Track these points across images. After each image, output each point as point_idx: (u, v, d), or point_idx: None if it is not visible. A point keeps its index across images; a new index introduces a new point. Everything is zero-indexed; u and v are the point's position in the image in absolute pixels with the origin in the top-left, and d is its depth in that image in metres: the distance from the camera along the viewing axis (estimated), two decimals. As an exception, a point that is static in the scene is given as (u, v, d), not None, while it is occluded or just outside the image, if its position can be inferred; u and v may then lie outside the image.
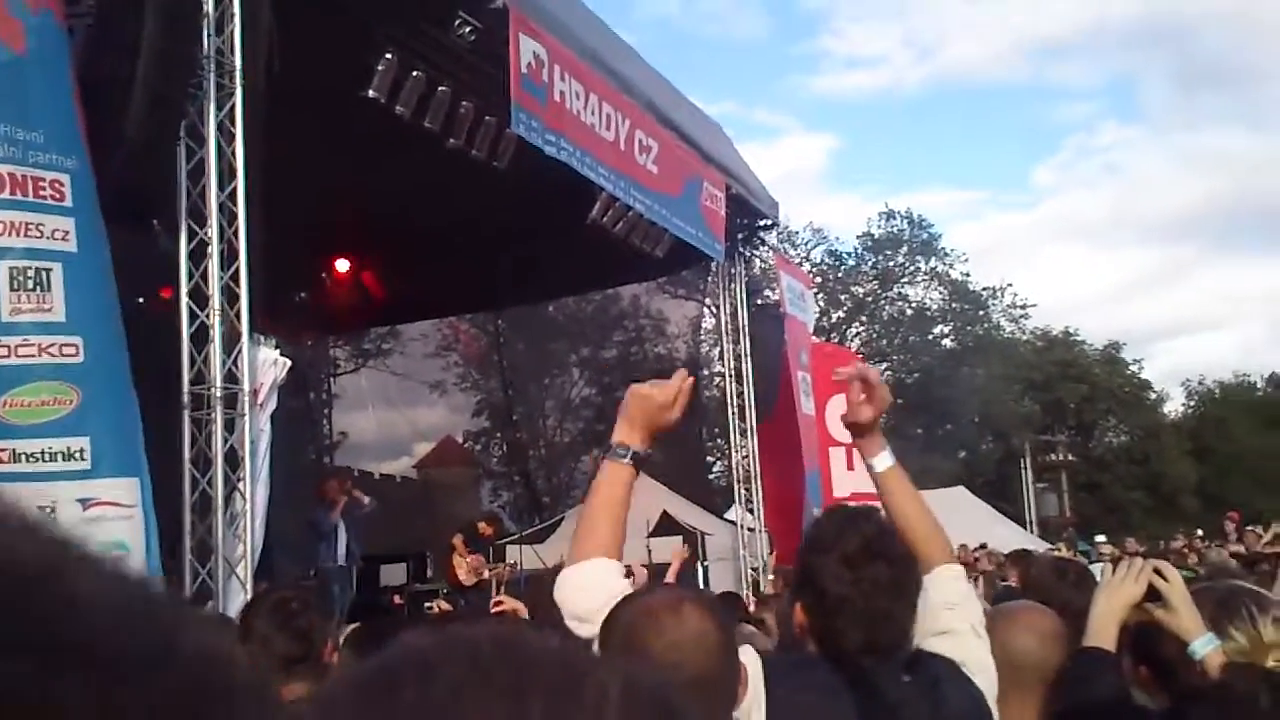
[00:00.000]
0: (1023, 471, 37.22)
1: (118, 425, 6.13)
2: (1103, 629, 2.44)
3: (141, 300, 10.50)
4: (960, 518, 22.87)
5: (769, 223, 16.00)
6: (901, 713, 2.05)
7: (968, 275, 41.08)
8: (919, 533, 2.40)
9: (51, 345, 5.95)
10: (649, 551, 14.21)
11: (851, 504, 2.52)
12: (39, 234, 5.95)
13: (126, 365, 6.23)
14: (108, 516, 6.01)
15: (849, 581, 2.07)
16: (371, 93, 9.14)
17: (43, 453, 5.89)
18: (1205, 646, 2.37)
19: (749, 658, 2.04)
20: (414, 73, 9.39)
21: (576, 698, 0.52)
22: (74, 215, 6.08)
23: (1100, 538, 22.78)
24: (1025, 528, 30.02)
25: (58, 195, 6.05)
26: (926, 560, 2.34)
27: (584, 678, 0.53)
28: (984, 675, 2.24)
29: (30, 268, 5.90)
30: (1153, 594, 2.47)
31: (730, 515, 16.77)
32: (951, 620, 2.29)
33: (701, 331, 26.03)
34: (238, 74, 7.42)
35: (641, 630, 1.79)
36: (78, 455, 5.97)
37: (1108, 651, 2.40)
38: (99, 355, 6.08)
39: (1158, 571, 2.49)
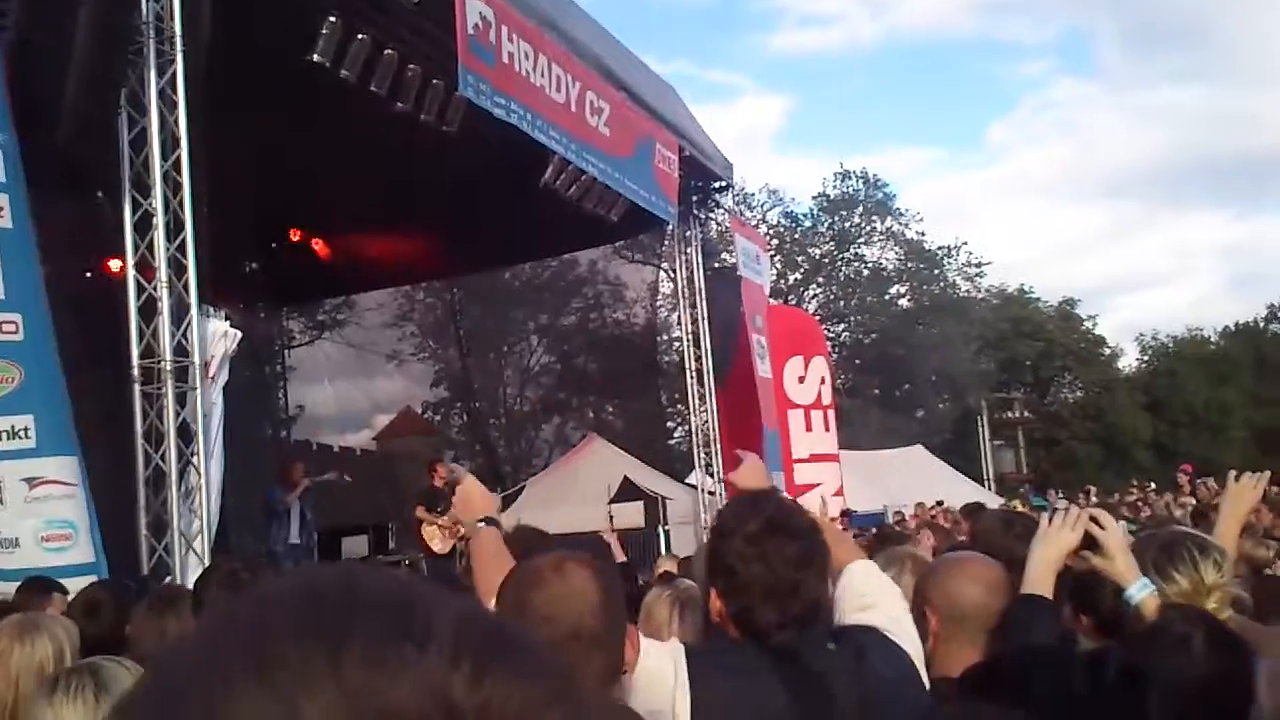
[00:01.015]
0: (980, 429, 37.65)
1: (55, 403, 6.05)
2: (1040, 577, 2.47)
3: (89, 274, 10.37)
4: (918, 476, 23.17)
5: (724, 184, 15.97)
6: (828, 680, 2.09)
7: (923, 234, 41.27)
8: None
9: (-7, 323, 5.84)
10: (610, 517, 14.28)
11: (754, 491, 2.61)
12: None
13: (54, 342, 6.12)
14: (53, 495, 5.95)
15: (754, 558, 2.12)
16: (316, 57, 8.99)
17: None
18: (1140, 591, 2.41)
19: (673, 650, 2.11)
20: (359, 35, 9.24)
21: (402, 626, 0.52)
22: (6, 191, 5.96)
23: (1059, 498, 23.10)
24: (983, 485, 30.39)
25: None
26: (838, 561, 2.42)
27: (412, 611, 0.53)
28: (909, 640, 2.30)
29: (-33, 244, 5.78)
30: (1090, 543, 2.50)
31: (691, 480, 16.85)
32: (873, 599, 2.37)
33: (660, 296, 26.01)
34: (178, 40, 7.27)
35: (525, 585, 1.87)
36: (22, 434, 5.89)
37: (1045, 598, 2.44)
38: (35, 332, 5.99)
39: (1094, 520, 2.52)
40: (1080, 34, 76.34)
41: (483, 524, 2.74)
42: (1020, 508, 14.81)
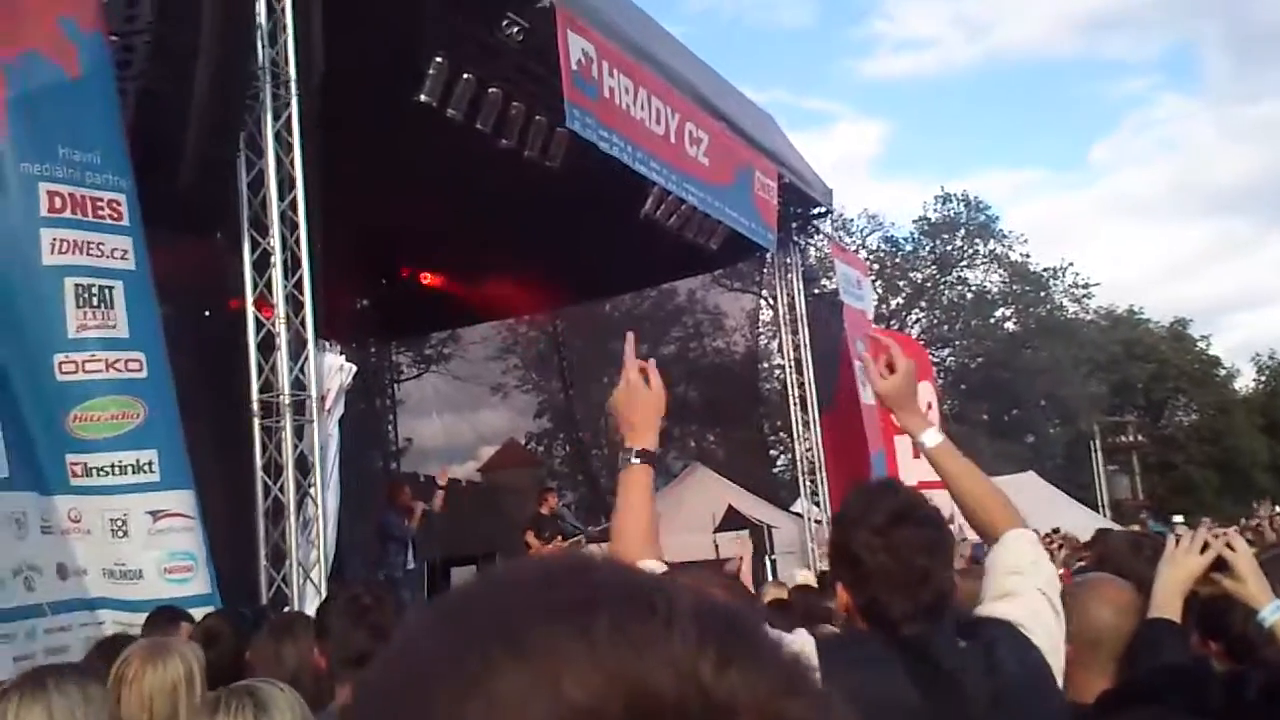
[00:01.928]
0: (1093, 454, 36.62)
1: (174, 438, 6.24)
2: (1167, 600, 2.40)
3: (208, 313, 10.73)
4: (1031, 503, 22.55)
5: (823, 210, 15.92)
6: (959, 678, 2.01)
7: (1027, 256, 40.47)
8: (980, 502, 2.37)
9: (118, 361, 6.06)
10: (716, 547, 14.20)
11: (878, 479, 2.48)
12: (99, 253, 6.06)
13: (172, 380, 6.33)
14: (175, 528, 6.12)
15: (880, 548, 2.05)
16: (424, 97, 9.22)
17: (113, 466, 6.00)
18: (1275, 613, 2.33)
19: (801, 641, 2.01)
20: (464, 75, 9.46)
21: (646, 608, 0.53)
22: (130, 234, 6.19)
23: (1177, 518, 22.35)
24: (1098, 511, 29.53)
25: (115, 215, 6.17)
26: (991, 527, 2.32)
27: (653, 593, 0.54)
28: (1046, 635, 2.17)
29: (94, 285, 6.02)
30: (1220, 565, 2.43)
31: (796, 508, 16.69)
32: (1016, 584, 2.24)
33: (760, 324, 25.89)
34: (293, 84, 7.53)
35: None
36: (146, 468, 6.07)
37: (1173, 622, 2.37)
38: (157, 370, 6.20)
39: (1226, 543, 2.45)
40: (1183, 50, 74.60)
41: (631, 458, 2.38)
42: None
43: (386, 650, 0.58)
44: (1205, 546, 2.48)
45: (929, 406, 16.60)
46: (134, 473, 6.05)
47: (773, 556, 15.75)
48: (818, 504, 14.99)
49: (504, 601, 0.55)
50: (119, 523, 5.95)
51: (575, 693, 0.49)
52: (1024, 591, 2.22)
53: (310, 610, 7.05)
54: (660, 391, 2.45)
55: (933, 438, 2.48)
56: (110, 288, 6.07)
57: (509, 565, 0.59)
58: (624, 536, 2.33)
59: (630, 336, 2.55)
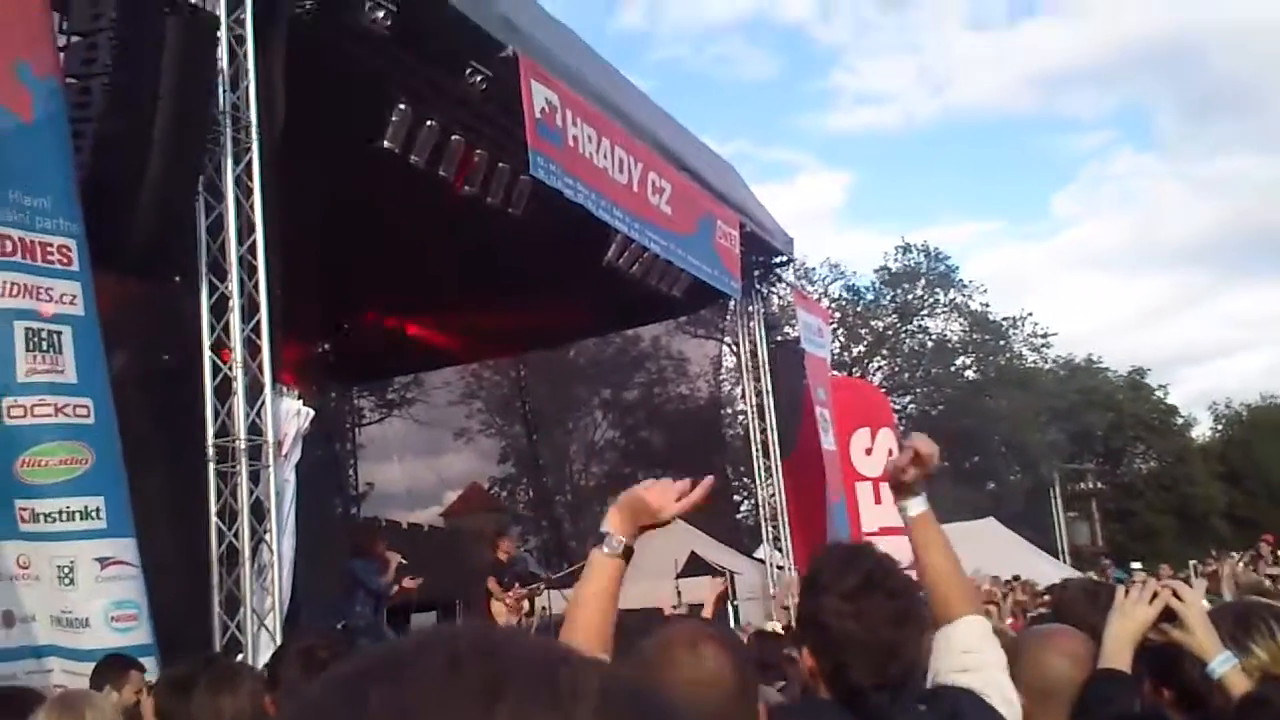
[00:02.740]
0: (1053, 501, 36.86)
1: (120, 485, 6.18)
2: (1117, 650, 2.42)
3: (165, 356, 10.63)
4: (992, 550, 22.65)
5: (785, 259, 16.04)
6: None
7: (987, 306, 40.90)
8: (947, 581, 2.36)
9: (66, 406, 6.00)
10: (678, 593, 14.15)
11: (851, 542, 2.48)
12: (48, 298, 6.02)
13: (116, 426, 6.27)
14: (121, 576, 6.04)
15: (850, 615, 2.03)
16: (386, 143, 9.25)
17: (61, 512, 5.92)
18: (1223, 665, 2.35)
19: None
20: (428, 122, 9.50)
21: (551, 694, 0.51)
22: (78, 279, 6.16)
23: (1136, 565, 22.49)
24: (1058, 558, 29.68)
25: (65, 260, 6.13)
26: (951, 609, 2.31)
27: (558, 675, 0.52)
28: (1008, 708, 2.18)
29: (43, 329, 5.97)
30: (1169, 615, 2.45)
31: (759, 554, 16.68)
32: (973, 661, 2.24)
33: (723, 370, 26.01)
34: (253, 129, 7.53)
35: (657, 666, 1.75)
36: (94, 514, 6.00)
37: (1123, 673, 2.38)
38: (104, 416, 6.15)
39: (1174, 593, 2.47)
40: (1137, 105, 75.66)
41: (617, 547, 2.19)
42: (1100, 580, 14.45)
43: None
44: (1155, 596, 2.50)
45: (889, 453, 16.69)
46: (81, 519, 5.98)
47: (735, 603, 15.70)
48: (780, 550, 14.98)
49: (404, 688, 0.52)
50: (65, 569, 5.86)
51: None
52: (982, 668, 2.23)
53: (264, 659, 6.96)
54: (668, 514, 2.28)
55: (917, 507, 2.46)
56: (59, 333, 6.02)
57: (416, 639, 0.56)
58: (577, 629, 2.16)
59: (708, 481, 2.30)
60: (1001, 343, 41.44)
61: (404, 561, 11.61)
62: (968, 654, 2.24)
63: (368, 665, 0.55)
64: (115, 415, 6.22)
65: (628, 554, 2.21)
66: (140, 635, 6.01)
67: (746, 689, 1.80)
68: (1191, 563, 19.59)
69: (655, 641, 1.86)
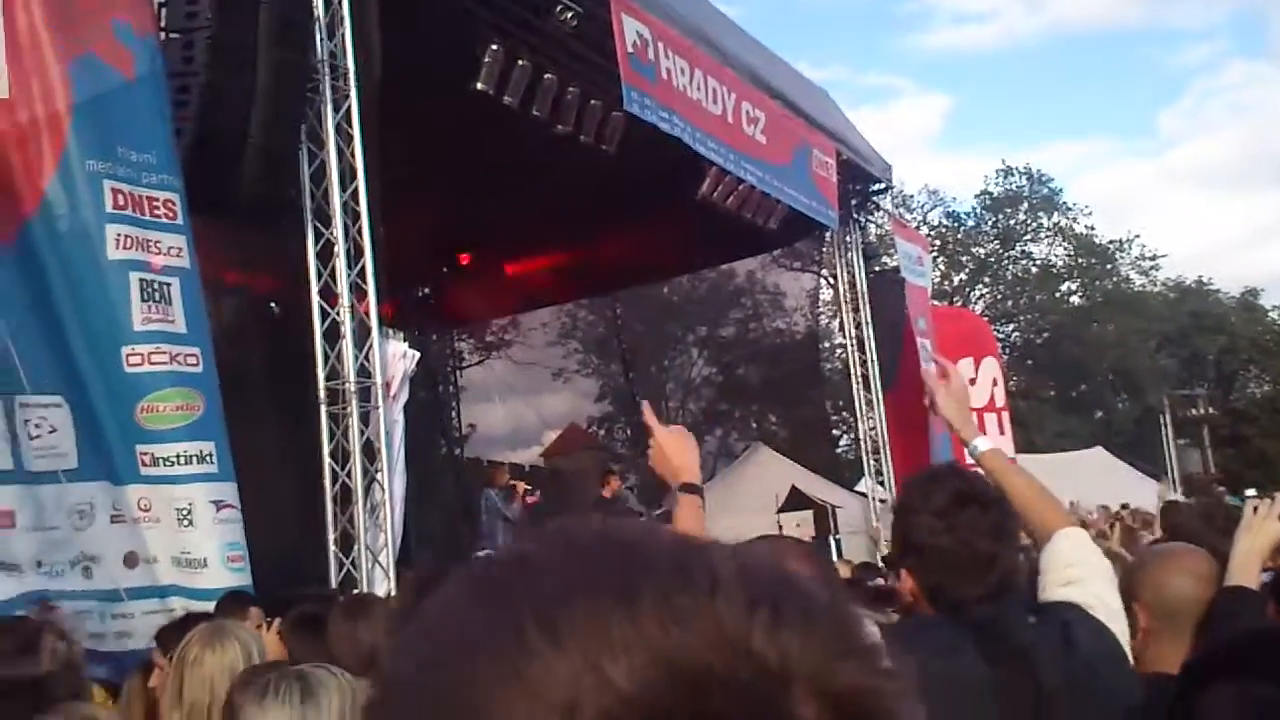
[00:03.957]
0: (1162, 429, 35.92)
1: (224, 432, 6.38)
2: (1245, 567, 2.37)
3: (273, 304, 10.92)
4: (1100, 479, 22.25)
5: (882, 186, 15.76)
6: (1033, 655, 2.01)
7: (1092, 229, 39.80)
8: (1035, 502, 2.38)
9: (179, 354, 6.19)
10: (779, 527, 14.19)
11: (939, 465, 2.51)
12: (158, 250, 6.20)
13: (218, 377, 6.46)
14: (231, 519, 6.26)
15: (944, 531, 2.05)
16: (480, 85, 9.28)
17: (179, 456, 6.13)
18: None
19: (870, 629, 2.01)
20: (520, 62, 9.49)
21: (688, 583, 0.50)
22: (184, 233, 6.32)
23: (1250, 492, 21.87)
24: (1170, 486, 29.01)
25: (170, 214, 6.29)
26: (1045, 528, 2.33)
27: (693, 563, 0.52)
28: (1114, 619, 2.18)
29: (155, 281, 6.16)
30: None
31: (861, 487, 16.61)
32: (1077, 572, 2.24)
33: (820, 303, 25.74)
34: (351, 77, 7.62)
35: None
36: (208, 458, 6.21)
37: (1251, 590, 2.34)
38: (209, 365, 6.34)
39: None
40: (1248, 14, 72.16)
41: (684, 491, 2.45)
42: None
43: (414, 626, 0.54)
44: None
45: (994, 383, 16.44)
46: (198, 463, 6.19)
47: (837, 536, 15.71)
48: (882, 484, 14.90)
49: (540, 579, 0.51)
50: (185, 511, 6.09)
51: (620, 678, 0.47)
52: (1086, 580, 2.23)
53: (379, 594, 7.18)
54: (680, 432, 2.58)
55: (982, 444, 2.54)
56: (168, 284, 6.21)
57: (543, 538, 0.56)
58: None
59: (646, 405, 2.71)
60: (1108, 266, 40.35)
61: (527, 487, 12.22)
62: (1070, 567, 2.25)
63: (498, 561, 0.55)
64: (214, 363, 6.41)
65: (690, 489, 2.46)
66: (247, 576, 6.24)
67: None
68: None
69: (734, 548, 1.89)
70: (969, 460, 2.62)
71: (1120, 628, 2.20)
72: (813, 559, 1.85)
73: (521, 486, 12.27)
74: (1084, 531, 2.43)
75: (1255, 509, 2.51)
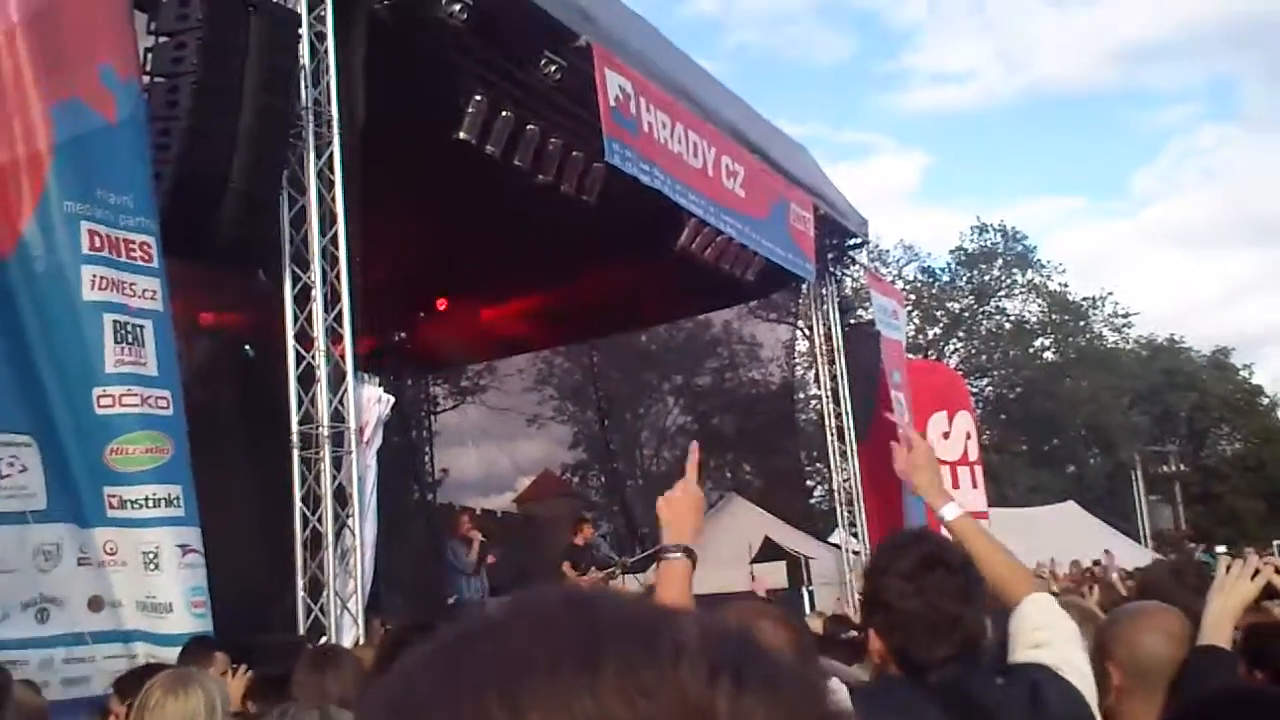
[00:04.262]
0: (1134, 484, 36.14)
1: (190, 476, 6.35)
2: (1217, 627, 2.40)
3: (248, 347, 10.89)
4: (1073, 534, 22.34)
5: (858, 241, 15.92)
6: (998, 715, 2.03)
7: (1066, 286, 40.26)
8: (1001, 566, 2.43)
9: (150, 397, 6.18)
10: (753, 577, 14.15)
11: (911, 528, 2.54)
12: (132, 293, 6.20)
13: (185, 421, 6.45)
14: (195, 564, 6.21)
15: (912, 593, 2.09)
16: (463, 134, 9.35)
17: (146, 499, 6.11)
18: None
19: (836, 690, 2.04)
20: (503, 113, 9.59)
21: (652, 648, 0.50)
22: (158, 276, 6.33)
23: (1220, 549, 22.01)
24: (1139, 542, 29.14)
25: (146, 257, 6.31)
26: (1012, 594, 2.37)
27: (657, 632, 0.51)
28: (1083, 681, 2.21)
29: (129, 323, 6.16)
30: (1271, 593, 2.42)
31: (834, 538, 16.61)
32: (1045, 635, 2.29)
33: (796, 354, 25.85)
34: (335, 123, 7.68)
35: None
36: (175, 502, 6.19)
37: (1224, 649, 2.36)
38: (178, 409, 6.34)
39: (1276, 569, 2.44)
40: (1222, 78, 73.49)
41: (678, 554, 2.41)
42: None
43: (381, 689, 0.55)
44: (1255, 573, 2.47)
45: (967, 436, 16.53)
46: (165, 506, 6.16)
47: (810, 587, 15.67)
48: (855, 535, 14.90)
49: (503, 647, 0.52)
50: (151, 555, 6.04)
51: None
52: (1053, 643, 2.26)
53: (347, 640, 7.12)
54: (698, 492, 2.52)
55: (951, 511, 2.55)
56: (141, 326, 6.21)
57: (507, 604, 0.56)
58: None
59: (695, 446, 2.58)
60: (1081, 323, 40.74)
61: (484, 539, 11.96)
62: (1038, 630, 2.28)
63: (465, 629, 0.55)
64: (182, 407, 6.40)
65: (687, 552, 2.39)
66: (209, 622, 6.19)
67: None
68: (1276, 542, 19.10)
69: (715, 616, 1.90)
70: (952, 484, 2.64)
71: (1088, 689, 2.22)
72: (785, 623, 1.86)
73: (477, 539, 11.92)
74: (1050, 597, 2.47)
75: (1228, 568, 2.54)
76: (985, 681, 2.10)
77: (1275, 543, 20.35)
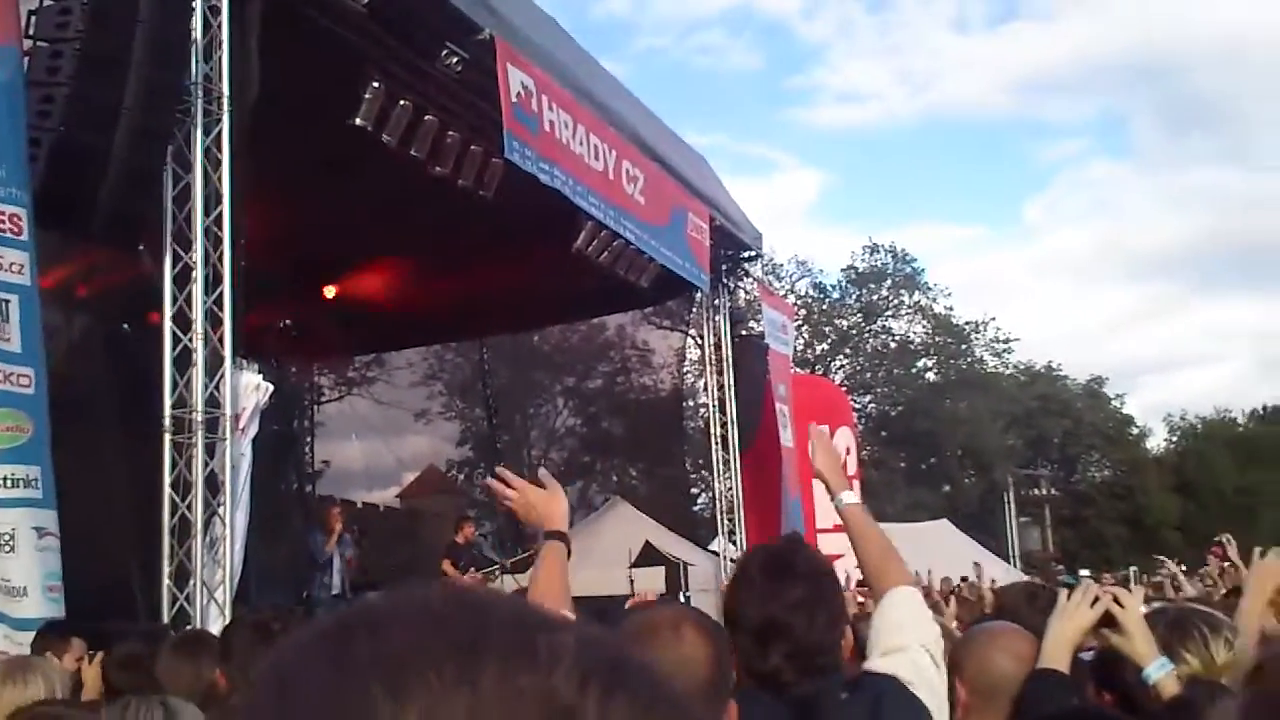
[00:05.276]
0: (1006, 505, 37.27)
1: (49, 458, 6.15)
2: (1055, 651, 2.47)
3: (126, 325, 10.55)
4: (944, 551, 22.88)
5: (753, 254, 16.11)
6: None
7: (951, 309, 41.36)
8: (876, 558, 2.53)
9: (11, 374, 5.97)
10: (631, 581, 14.19)
11: (775, 540, 2.62)
12: None
13: (47, 400, 6.24)
14: (51, 548, 6.03)
15: (754, 602, 2.11)
16: (359, 120, 9.20)
17: (5, 479, 5.91)
18: (1158, 671, 2.41)
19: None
20: (401, 101, 9.46)
21: (530, 654, 0.52)
22: (27, 249, 6.11)
23: (1084, 572, 22.83)
24: (1008, 561, 30.03)
25: (16, 229, 6.08)
26: (882, 581, 2.46)
27: (538, 635, 0.54)
28: (930, 692, 2.26)
29: (-8, 297, 5.93)
30: (1110, 620, 2.51)
31: (714, 546, 16.76)
32: (901, 638, 2.33)
33: (686, 362, 26.05)
34: (225, 100, 7.48)
35: (638, 643, 1.79)
36: (33, 483, 5.99)
37: (1060, 673, 2.44)
38: (41, 388, 6.13)
39: (1115, 598, 2.52)
40: (1116, 114, 76.47)
41: (551, 539, 2.59)
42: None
43: (262, 676, 0.56)
44: (1095, 600, 2.55)
45: (847, 451, 16.84)
46: (23, 487, 5.97)
47: (687, 594, 15.76)
48: (735, 543, 15.07)
49: (389, 639, 0.53)
50: (6, 537, 5.84)
51: None
52: (908, 647, 2.31)
53: (213, 631, 6.94)
54: (549, 482, 2.70)
55: (848, 498, 2.66)
56: (6, 301, 5.99)
57: (395, 596, 0.57)
58: (541, 594, 2.45)
59: (499, 471, 2.76)
60: (963, 346, 41.88)
61: (345, 533, 11.71)
62: (900, 630, 2.34)
63: (347, 618, 0.56)
64: (48, 388, 6.19)
65: (558, 536, 2.58)
66: (62, 607, 6.01)
67: (723, 673, 1.84)
68: (1132, 569, 19.89)
69: (639, 621, 1.94)
70: (834, 510, 2.73)
71: (937, 703, 2.27)
72: (707, 629, 1.88)
73: (336, 531, 11.66)
74: (917, 591, 2.54)
75: (1069, 594, 2.62)
76: (831, 697, 2.11)
77: (1132, 568, 21.17)
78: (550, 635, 0.54)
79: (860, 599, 5.18)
